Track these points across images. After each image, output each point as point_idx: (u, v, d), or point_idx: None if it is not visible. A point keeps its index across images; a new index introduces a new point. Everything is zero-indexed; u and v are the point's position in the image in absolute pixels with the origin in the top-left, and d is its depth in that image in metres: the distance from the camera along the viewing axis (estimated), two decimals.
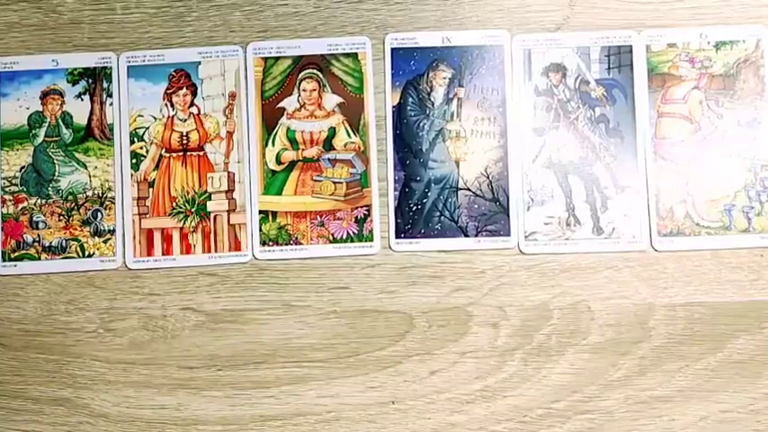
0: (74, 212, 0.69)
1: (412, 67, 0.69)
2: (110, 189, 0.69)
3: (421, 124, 0.69)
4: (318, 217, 0.69)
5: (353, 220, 0.68)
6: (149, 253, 0.69)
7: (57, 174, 0.69)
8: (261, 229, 0.68)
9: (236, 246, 0.68)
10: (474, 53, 0.69)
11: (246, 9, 0.70)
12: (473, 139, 0.69)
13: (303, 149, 0.70)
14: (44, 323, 0.68)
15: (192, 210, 0.69)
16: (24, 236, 0.69)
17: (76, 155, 0.70)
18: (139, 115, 0.70)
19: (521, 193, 0.68)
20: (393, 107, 0.69)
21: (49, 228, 0.69)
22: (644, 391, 0.66)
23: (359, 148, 0.69)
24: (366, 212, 0.69)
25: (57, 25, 0.71)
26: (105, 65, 0.70)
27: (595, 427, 0.66)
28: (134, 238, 0.69)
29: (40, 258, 0.69)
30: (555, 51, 0.69)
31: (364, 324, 0.67)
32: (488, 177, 0.68)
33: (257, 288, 0.68)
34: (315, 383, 0.67)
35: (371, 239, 0.68)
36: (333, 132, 0.70)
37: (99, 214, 0.69)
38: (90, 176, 0.69)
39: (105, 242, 0.69)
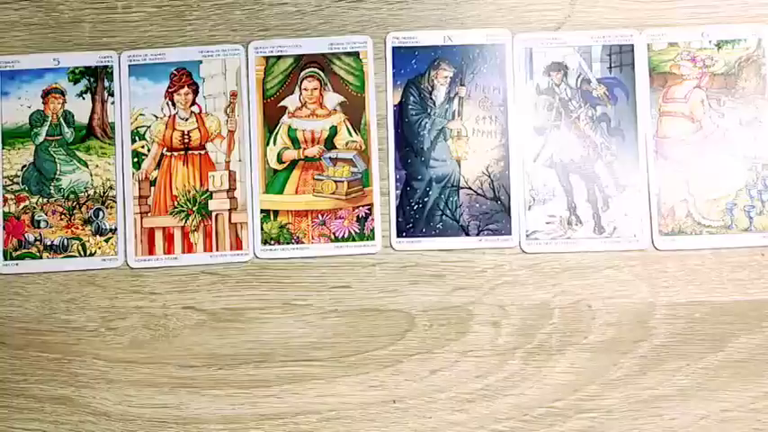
0: (75, 211, 0.69)
1: (413, 66, 0.69)
2: (111, 188, 0.69)
3: (422, 123, 0.69)
4: (320, 216, 0.69)
5: (355, 219, 0.68)
6: (151, 252, 0.69)
7: (58, 172, 0.70)
8: (262, 228, 0.68)
9: (237, 245, 0.68)
10: (475, 52, 0.69)
11: (247, 8, 0.70)
12: (474, 138, 0.69)
13: (304, 148, 0.70)
14: (45, 322, 0.68)
15: (194, 209, 0.69)
16: (26, 235, 0.69)
17: (78, 154, 0.70)
18: (141, 114, 0.70)
19: (522, 192, 0.68)
20: (394, 106, 0.69)
21: (50, 227, 0.69)
22: (645, 390, 0.66)
23: (360, 146, 0.69)
24: (367, 211, 0.69)
25: (58, 24, 0.70)
26: (106, 64, 0.70)
27: (596, 425, 0.66)
28: (135, 236, 0.69)
29: (41, 257, 0.69)
30: (556, 50, 0.69)
31: (365, 323, 0.67)
32: (490, 176, 0.68)
33: (258, 287, 0.68)
34: (316, 382, 0.67)
35: (373, 238, 0.68)
36: (334, 131, 0.70)
37: (100, 213, 0.69)
38: (91, 175, 0.69)
39: (107, 241, 0.69)
